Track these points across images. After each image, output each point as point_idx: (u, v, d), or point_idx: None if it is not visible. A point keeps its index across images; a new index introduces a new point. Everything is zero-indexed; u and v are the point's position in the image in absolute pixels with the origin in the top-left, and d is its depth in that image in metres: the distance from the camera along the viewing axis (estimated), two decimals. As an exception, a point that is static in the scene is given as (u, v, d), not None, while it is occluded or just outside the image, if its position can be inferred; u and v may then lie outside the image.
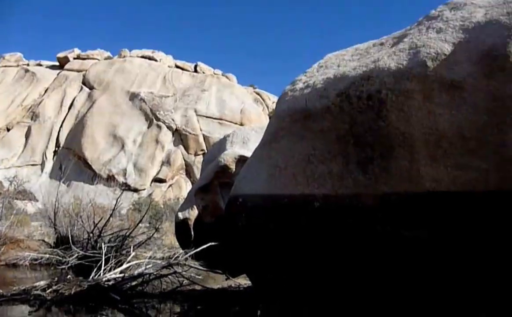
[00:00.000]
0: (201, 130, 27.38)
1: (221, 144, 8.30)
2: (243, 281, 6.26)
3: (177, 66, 34.09)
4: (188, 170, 26.21)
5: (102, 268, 5.85)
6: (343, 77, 3.55)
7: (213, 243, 6.31)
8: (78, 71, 32.01)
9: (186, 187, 22.87)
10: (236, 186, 3.95)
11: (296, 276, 3.65)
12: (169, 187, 25.12)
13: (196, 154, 26.48)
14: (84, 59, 33.62)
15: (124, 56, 33.84)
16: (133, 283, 5.66)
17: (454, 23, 3.45)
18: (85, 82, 30.89)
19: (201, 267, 6.43)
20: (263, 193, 3.74)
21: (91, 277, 5.59)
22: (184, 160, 26.44)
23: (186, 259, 6.21)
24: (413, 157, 3.32)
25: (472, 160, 3.21)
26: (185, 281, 5.98)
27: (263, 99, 33.58)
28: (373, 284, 3.46)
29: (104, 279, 5.43)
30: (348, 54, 4.13)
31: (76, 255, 7.22)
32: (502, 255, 3.17)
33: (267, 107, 32.11)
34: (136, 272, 5.95)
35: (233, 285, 6.40)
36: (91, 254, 6.95)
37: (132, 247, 7.21)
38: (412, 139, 3.29)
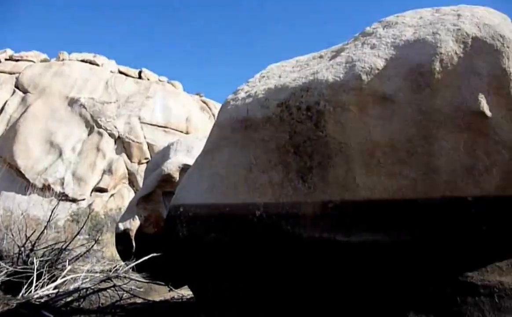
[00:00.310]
0: (145, 138, 26.68)
1: (165, 153, 8.14)
2: (186, 292, 6.16)
3: (120, 72, 33.03)
4: (131, 179, 25.40)
5: (34, 284, 5.49)
6: (284, 88, 3.64)
7: (155, 254, 6.16)
8: (10, 73, 29.95)
9: (129, 197, 22.11)
10: (176, 195, 3.89)
11: (237, 285, 3.64)
12: (110, 196, 24.17)
13: (139, 163, 25.75)
14: (17, 60, 31.54)
15: (63, 59, 32.21)
16: (68, 299, 5.37)
17: (387, 40, 3.65)
18: (18, 86, 28.96)
19: (142, 279, 6.24)
20: (204, 202, 3.71)
21: (20, 294, 5.22)
22: (127, 169, 25.60)
23: (126, 272, 6.00)
24: (349, 167, 3.46)
25: (402, 169, 3.41)
26: (126, 294, 5.77)
27: (210, 108, 33.45)
28: (312, 289, 3.55)
29: (35, 296, 5.10)
30: (289, 66, 4.23)
31: (5, 271, 6.71)
32: (429, 257, 3.39)
33: (214, 116, 32.01)
34: (71, 287, 5.65)
35: (176, 296, 6.28)
36: (22, 270, 6.49)
37: (68, 261, 6.84)
38: (349, 149, 3.44)
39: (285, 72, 4.03)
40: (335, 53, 3.95)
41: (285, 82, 3.73)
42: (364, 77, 3.41)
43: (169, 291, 6.46)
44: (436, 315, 3.45)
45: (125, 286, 5.79)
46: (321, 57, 4.08)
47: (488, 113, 3.30)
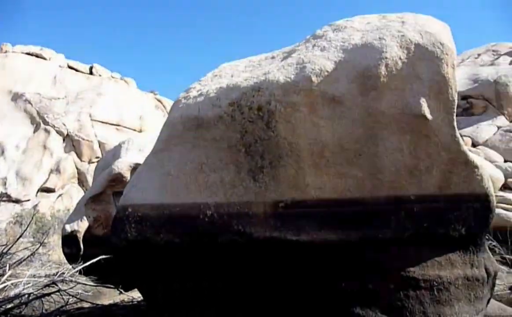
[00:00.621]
0: (96, 136, 25.68)
1: (116, 151, 7.88)
2: (137, 295, 6.01)
3: (69, 67, 31.57)
4: (81, 179, 24.37)
5: (-32, 291, 5.12)
6: (236, 87, 3.64)
7: (104, 256, 5.94)
8: None
9: (78, 197, 21.18)
10: (125, 195, 3.78)
11: (187, 286, 3.60)
12: (58, 197, 23.04)
13: (90, 162, 24.75)
14: (-47, 52, 29.36)
15: (6, 51, 30.31)
16: (9, 306, 5.05)
17: (336, 43, 3.75)
18: (-46, 79, 26.96)
19: (90, 283, 5.99)
20: (154, 202, 3.63)
21: (-47, 303, 4.86)
22: (77, 168, 24.52)
23: (72, 275, 5.74)
24: (299, 166, 3.52)
25: (350, 169, 3.52)
26: (72, 299, 5.53)
27: (164, 106, 32.79)
28: (263, 288, 3.58)
29: (-30, 304, 4.76)
30: (241, 65, 4.24)
31: None
32: (375, 254, 3.53)
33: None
34: (12, 293, 5.33)
35: (126, 299, 6.11)
36: (-45, 276, 6.04)
37: (8, 265, 6.44)
38: (299, 149, 3.50)
39: (237, 72, 4.03)
40: (286, 54, 4.00)
41: (237, 81, 3.73)
42: (314, 78, 3.48)
43: (119, 294, 6.27)
44: (380, 309, 3.60)
45: (71, 290, 5.53)
46: (273, 57, 4.12)
47: (429, 116, 3.48)
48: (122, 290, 6.23)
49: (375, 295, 3.57)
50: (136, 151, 7.62)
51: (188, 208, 3.59)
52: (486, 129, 12.74)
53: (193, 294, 3.60)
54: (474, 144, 12.16)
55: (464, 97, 13.79)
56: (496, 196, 9.48)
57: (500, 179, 11.28)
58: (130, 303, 5.90)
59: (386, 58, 3.44)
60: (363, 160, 3.51)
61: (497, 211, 8.55)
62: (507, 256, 7.94)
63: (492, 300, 5.25)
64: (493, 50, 17.32)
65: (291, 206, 3.53)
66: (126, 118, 27.36)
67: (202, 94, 3.77)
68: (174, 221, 3.58)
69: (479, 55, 17.39)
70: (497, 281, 7.23)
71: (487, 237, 7.86)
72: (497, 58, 16.49)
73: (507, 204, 8.97)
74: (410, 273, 3.61)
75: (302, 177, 3.53)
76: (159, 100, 33.66)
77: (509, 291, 7.12)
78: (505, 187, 11.00)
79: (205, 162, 3.61)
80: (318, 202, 3.54)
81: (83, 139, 25.25)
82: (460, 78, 14.13)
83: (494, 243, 7.99)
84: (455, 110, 3.52)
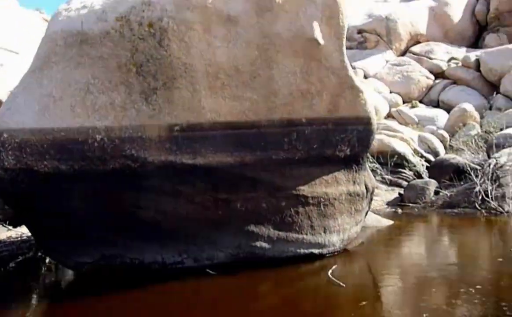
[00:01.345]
0: (-32, 59, 22.23)
1: (-9, 75, 6.91)
2: (27, 230, 5.61)
3: None
4: (-46, 109, 21.25)
5: None
6: (124, 0, 3.32)
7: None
8: None
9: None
10: (-1, 120, 3.35)
11: (75, 217, 3.43)
12: None
13: (-37, 89, 21.54)
14: None
15: None
16: None
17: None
18: None
19: (-31, 220, 5.42)
20: (34, 127, 3.27)
21: None
22: None
23: None
24: (194, 89, 3.42)
25: (245, 91, 3.53)
26: None
27: (53, 28, 29.28)
28: (157, 210, 3.56)
29: None
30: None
31: None
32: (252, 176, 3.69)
33: (59, 37, 28.21)
34: None
35: (14, 235, 5.67)
36: None
37: None
38: (194, 70, 3.38)
39: (127, -17, 3.67)
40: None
41: (126, -7, 3.40)
42: (209, -5, 3.31)
43: (7, 231, 5.79)
44: (273, 226, 3.84)
45: None
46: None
47: (321, 41, 3.59)
48: (9, 226, 5.76)
49: (268, 213, 3.78)
50: (14, 75, 6.76)
51: (75, 132, 3.32)
52: (376, 62, 13.71)
53: (81, 225, 3.45)
54: (365, 76, 13.07)
55: (359, 31, 14.54)
56: (381, 123, 10.47)
57: (385, 109, 12.42)
58: (19, 239, 5.49)
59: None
60: (258, 83, 3.53)
61: (381, 136, 9.49)
62: (387, 176, 8.97)
63: (371, 213, 5.94)
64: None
65: (186, 129, 3.47)
66: (5, 38, 23.95)
67: (85, 6, 3.38)
68: (60, 146, 3.30)
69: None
70: (377, 198, 8.19)
71: (370, 160, 8.75)
72: (391, -5, 17.46)
73: (389, 131, 9.95)
74: (301, 191, 3.86)
75: (197, 99, 3.46)
76: (46, 20, 29.93)
77: (386, 206, 8.13)
78: (388, 116, 12.17)
79: (92, 82, 3.32)
80: (214, 125, 3.52)
81: (-48, 62, 21.71)
82: (358, 13, 14.79)
83: (377, 165, 8.94)
84: (345, 35, 3.67)
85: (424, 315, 2.59)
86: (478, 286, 3.10)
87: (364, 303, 2.90)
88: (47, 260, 4.38)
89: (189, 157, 3.50)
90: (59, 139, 3.31)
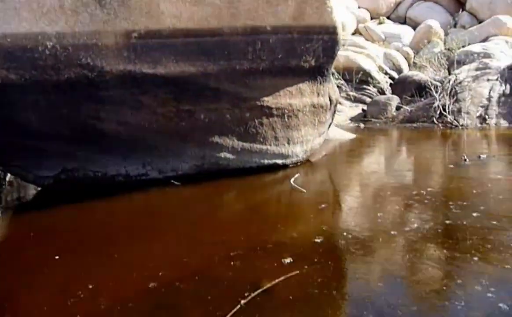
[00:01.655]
0: None
1: None
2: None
3: None
4: None
5: None
6: None
7: None
8: None
9: None
10: None
11: (31, 131, 3.29)
12: None
13: None
14: None
15: None
16: None
17: None
18: None
19: None
20: (-25, 32, 3.01)
21: None
22: None
23: None
24: (152, -9, 3.20)
25: (207, -5, 3.34)
26: None
27: None
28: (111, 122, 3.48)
29: None
30: None
31: None
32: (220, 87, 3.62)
33: None
34: None
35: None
36: None
37: None
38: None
39: None
40: None
41: None
42: None
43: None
44: (237, 136, 3.85)
45: None
46: None
47: None
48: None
49: (232, 124, 3.78)
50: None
51: (22, 38, 3.08)
52: (346, -25, 13.24)
53: (38, 138, 3.33)
54: (334, -9, 12.63)
55: None
56: (347, 39, 10.37)
57: (353, 25, 12.24)
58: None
59: None
60: (220, -14, 3.34)
61: (347, 53, 9.45)
62: (351, 93, 9.09)
63: (334, 127, 6.06)
64: None
65: (145, 36, 3.29)
66: None
67: None
68: (6, 53, 3.06)
69: None
70: (341, 113, 8.35)
71: (336, 76, 8.76)
72: None
73: (356, 47, 9.90)
74: (265, 102, 3.85)
75: (156, 3, 3.25)
76: None
77: (349, 121, 8.33)
78: (356, 32, 12.05)
79: (36, -19, 3.02)
80: (174, 31, 3.36)
81: None
82: None
83: (342, 82, 9.00)
84: None
85: (379, 214, 2.76)
86: (429, 189, 3.31)
87: (323, 205, 3.05)
88: (8, 177, 4.28)
89: (149, 67, 3.36)
90: (6, 46, 3.07)
